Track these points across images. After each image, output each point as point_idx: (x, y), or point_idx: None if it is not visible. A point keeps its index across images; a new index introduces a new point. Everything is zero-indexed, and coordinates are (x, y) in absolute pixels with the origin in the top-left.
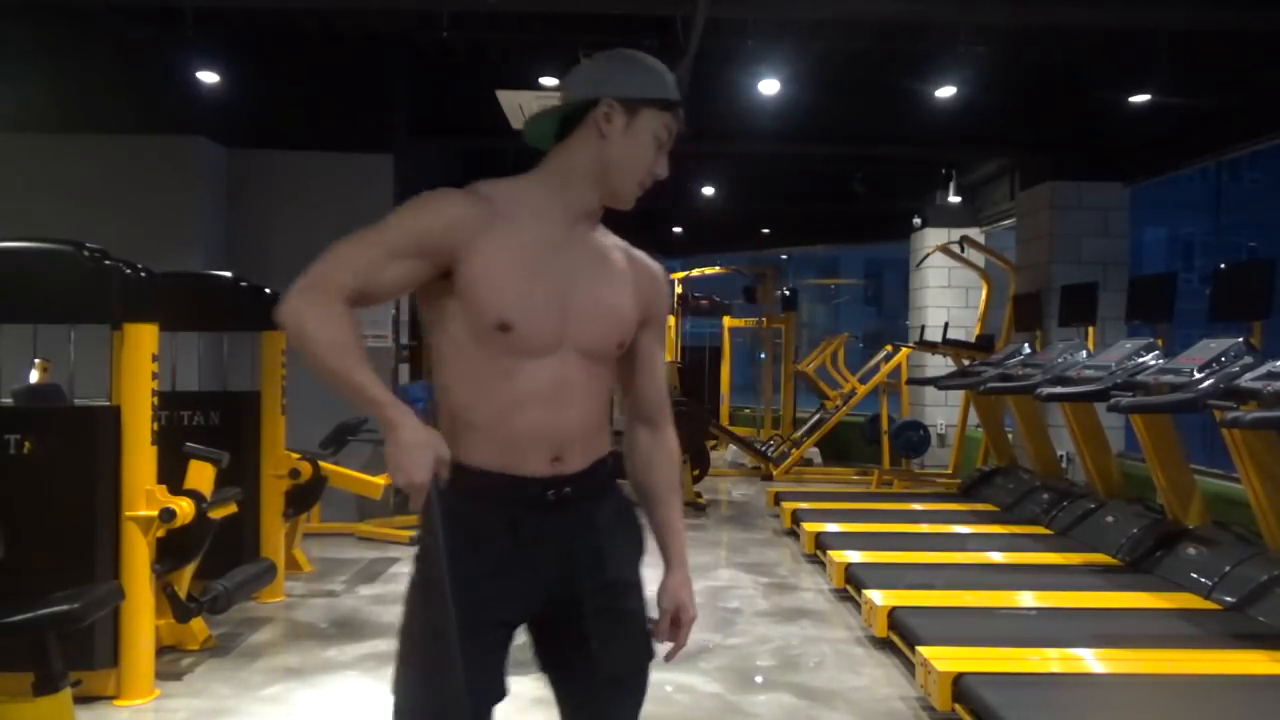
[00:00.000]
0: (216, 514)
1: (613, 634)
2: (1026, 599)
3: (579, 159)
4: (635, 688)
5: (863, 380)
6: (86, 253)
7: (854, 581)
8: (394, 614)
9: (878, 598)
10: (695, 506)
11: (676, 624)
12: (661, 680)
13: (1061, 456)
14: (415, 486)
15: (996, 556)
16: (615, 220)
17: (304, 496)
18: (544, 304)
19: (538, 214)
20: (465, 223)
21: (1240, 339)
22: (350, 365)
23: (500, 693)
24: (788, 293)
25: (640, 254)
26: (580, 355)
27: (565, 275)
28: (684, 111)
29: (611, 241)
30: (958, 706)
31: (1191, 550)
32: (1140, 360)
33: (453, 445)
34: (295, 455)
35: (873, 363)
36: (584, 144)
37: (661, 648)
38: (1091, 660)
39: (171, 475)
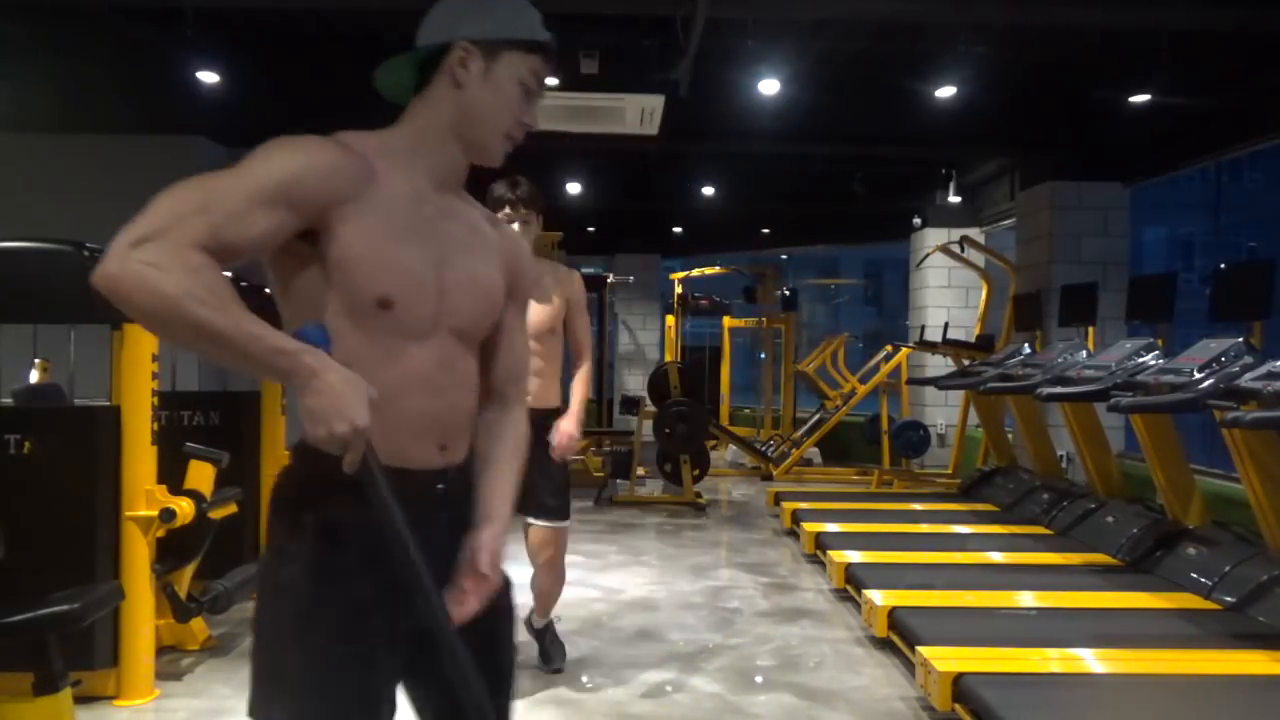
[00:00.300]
0: (216, 514)
1: (483, 638)
2: (1026, 599)
3: (437, 112)
4: (505, 690)
5: (863, 380)
6: (86, 253)
7: (854, 581)
8: None
9: (878, 598)
10: (695, 506)
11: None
12: (661, 680)
13: (1061, 456)
14: (358, 432)
15: (996, 556)
16: (616, 221)
17: None
18: (423, 277)
19: (408, 176)
20: (341, 175)
21: (1240, 339)
22: (236, 316)
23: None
24: (788, 293)
25: (504, 225)
26: (456, 337)
27: (439, 245)
28: (556, 51)
29: (478, 209)
30: (958, 706)
31: (1191, 550)
32: (1140, 360)
33: None
34: None
35: (873, 363)
36: (441, 94)
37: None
38: (1091, 660)
39: (171, 475)
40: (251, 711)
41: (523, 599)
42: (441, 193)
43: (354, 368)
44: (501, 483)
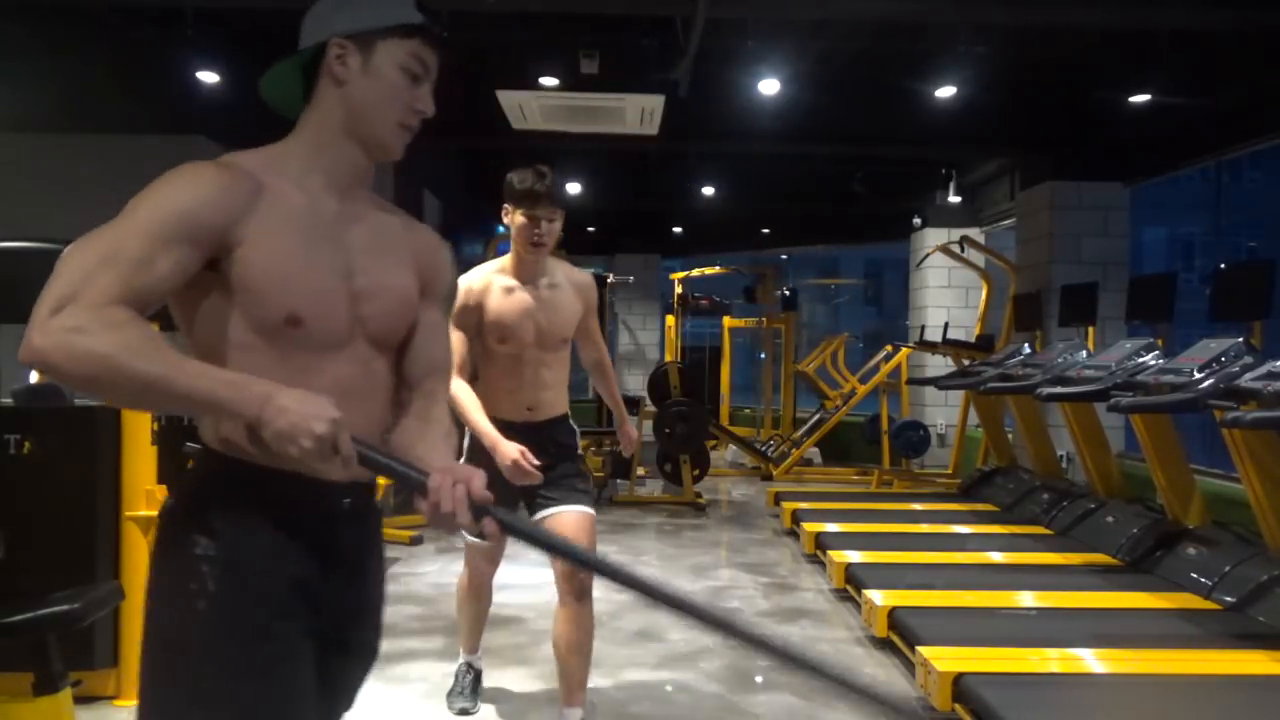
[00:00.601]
0: None
1: (370, 638)
2: (1026, 599)
3: (325, 115)
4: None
5: (863, 380)
6: None
7: (854, 581)
8: (394, 614)
9: (878, 598)
10: (695, 506)
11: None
12: (661, 680)
13: (1061, 456)
14: (336, 423)
15: (996, 556)
16: (616, 221)
17: None
18: (330, 291)
19: (303, 186)
20: (229, 198)
21: (1240, 339)
22: (174, 361)
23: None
24: (788, 293)
25: (420, 225)
26: (371, 344)
27: (345, 254)
28: (437, 29)
29: (388, 212)
30: (958, 706)
31: (1191, 550)
32: (1140, 360)
33: (250, 450)
34: None
35: (873, 363)
36: (326, 96)
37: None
38: (1091, 660)
39: (171, 475)
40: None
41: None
42: (344, 198)
43: None
44: (441, 453)
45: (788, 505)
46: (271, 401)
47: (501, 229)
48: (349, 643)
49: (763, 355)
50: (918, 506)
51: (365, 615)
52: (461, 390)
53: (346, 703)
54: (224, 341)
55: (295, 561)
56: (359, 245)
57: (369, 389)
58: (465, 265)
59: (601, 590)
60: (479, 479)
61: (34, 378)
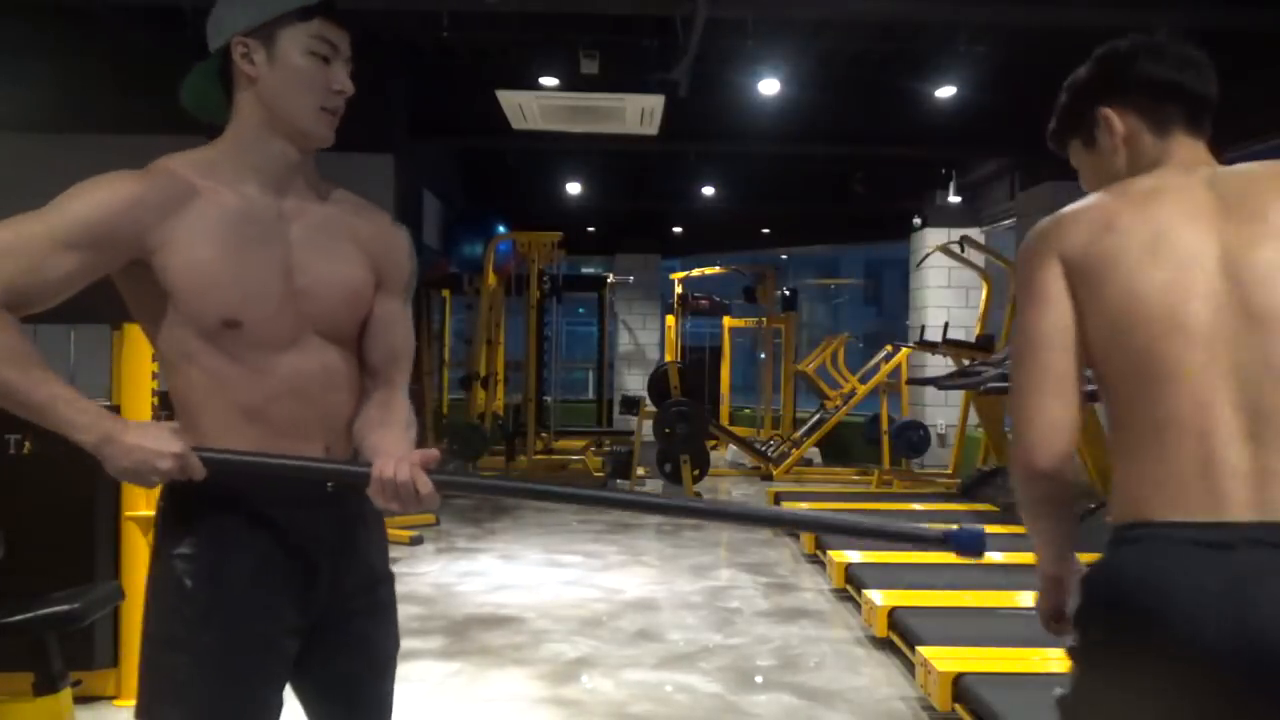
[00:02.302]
0: None
1: (370, 628)
2: (1026, 599)
3: (246, 114)
4: (388, 677)
5: (863, 380)
6: None
7: (854, 581)
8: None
9: (878, 598)
10: None
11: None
12: (661, 680)
13: None
14: (178, 456)
15: (996, 556)
16: (616, 221)
17: None
18: (268, 290)
19: (235, 186)
20: (143, 205)
21: None
22: (23, 378)
23: (280, 708)
24: (788, 293)
25: (375, 211)
26: (323, 338)
27: (285, 252)
28: (332, 6)
29: (336, 201)
30: (958, 706)
31: None
32: None
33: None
34: None
35: (873, 363)
36: (243, 96)
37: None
38: None
39: None
40: (139, 714)
41: (510, 595)
42: (282, 194)
43: (216, 387)
44: (396, 439)
45: (788, 505)
46: (114, 441)
47: (502, 228)
48: (343, 624)
49: (763, 355)
50: (918, 506)
51: (357, 593)
52: None
53: (374, 674)
54: (176, 347)
55: (273, 559)
56: (300, 241)
57: (327, 382)
58: (467, 266)
59: (602, 590)
60: (428, 454)
61: None
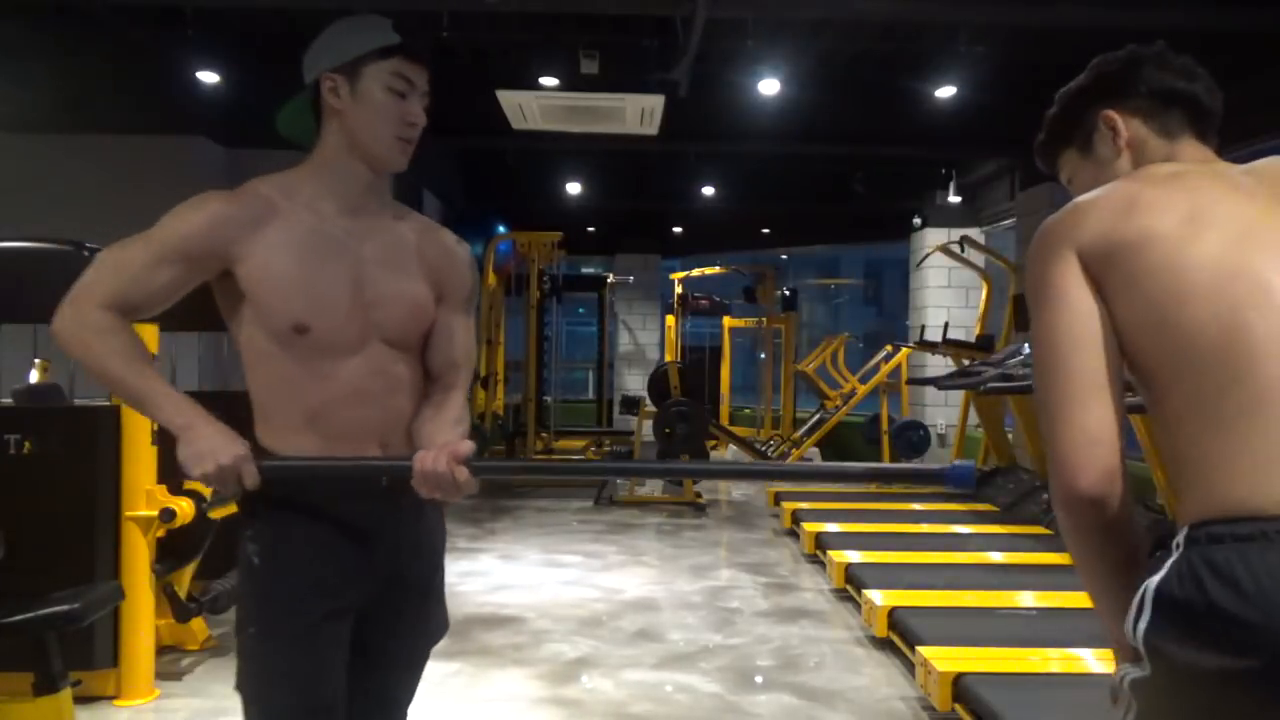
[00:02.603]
0: (216, 514)
1: (423, 616)
2: (1026, 599)
3: (331, 142)
4: (421, 664)
5: (863, 380)
6: (86, 253)
7: (854, 581)
8: None
9: (878, 598)
10: (695, 506)
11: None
12: (661, 680)
13: None
14: (224, 468)
15: (996, 556)
16: (616, 221)
17: None
18: (338, 300)
19: (313, 207)
20: (230, 222)
21: None
22: (127, 372)
23: (343, 682)
24: (788, 293)
25: (440, 231)
26: (387, 345)
27: (356, 267)
28: (414, 44)
29: (405, 221)
30: (958, 706)
31: None
32: None
33: (281, 445)
34: None
35: (873, 363)
36: (328, 126)
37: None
38: (1091, 660)
39: (171, 475)
40: (237, 685)
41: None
42: (356, 215)
43: (286, 387)
44: (441, 431)
45: (788, 505)
46: (191, 429)
47: (502, 228)
48: (400, 593)
49: (763, 355)
50: (918, 506)
51: (410, 576)
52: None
53: (410, 658)
54: (253, 349)
55: (333, 544)
56: (371, 258)
57: (388, 387)
58: None
59: (601, 590)
60: (464, 445)
61: (34, 378)
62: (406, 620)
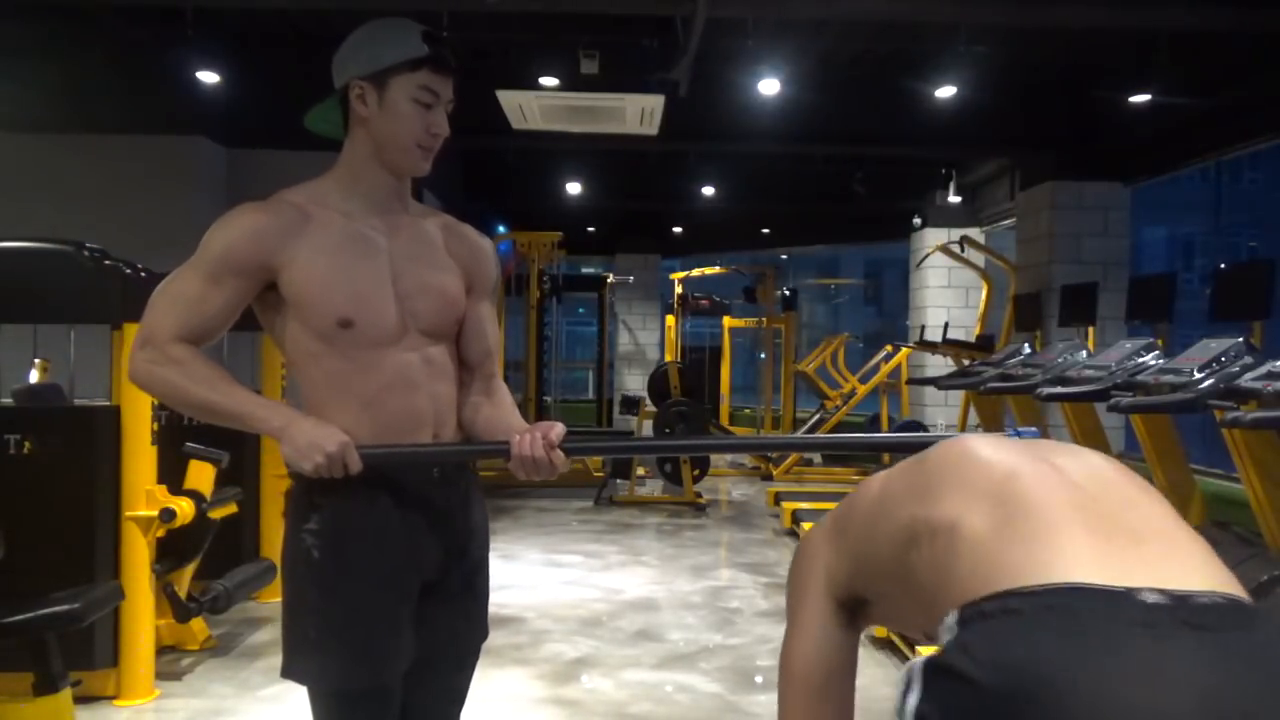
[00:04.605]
0: (216, 514)
1: (470, 606)
2: None
3: (357, 148)
4: (471, 663)
5: (863, 380)
6: (86, 253)
7: None
8: None
9: None
10: (695, 506)
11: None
12: (661, 680)
13: None
14: (331, 456)
15: None
16: (616, 221)
17: None
18: (376, 293)
19: (345, 210)
20: (270, 232)
21: (1240, 339)
22: (216, 396)
23: (410, 656)
24: (788, 293)
25: (462, 227)
26: (425, 335)
27: (389, 262)
28: (441, 56)
29: (430, 218)
30: None
31: None
32: (1140, 360)
33: None
34: None
35: (873, 363)
36: (355, 132)
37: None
38: None
39: (171, 475)
40: (283, 673)
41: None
42: (384, 214)
43: (337, 381)
44: (513, 416)
45: (788, 505)
46: (295, 425)
47: (502, 228)
48: (449, 585)
49: (763, 355)
50: None
51: (461, 560)
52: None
53: (465, 657)
54: (300, 349)
55: (393, 534)
56: (402, 253)
57: (431, 374)
58: None
59: (602, 590)
60: (556, 429)
61: (34, 378)
62: (464, 609)
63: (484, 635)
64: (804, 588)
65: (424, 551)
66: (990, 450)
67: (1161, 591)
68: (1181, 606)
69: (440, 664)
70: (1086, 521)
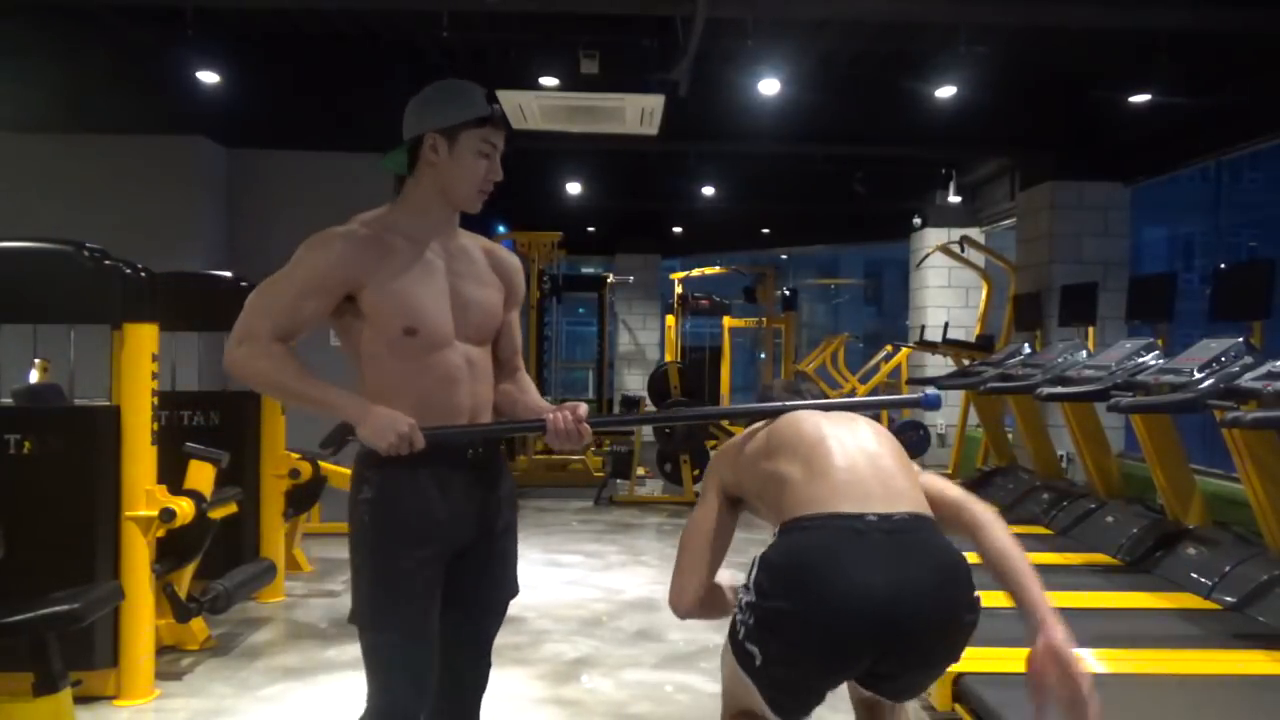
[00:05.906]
0: (216, 514)
1: (504, 569)
2: None
3: (424, 187)
4: (501, 611)
5: (863, 380)
6: (86, 253)
7: None
8: None
9: None
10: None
11: None
12: (661, 680)
13: (1061, 456)
14: (402, 436)
15: None
16: (616, 221)
17: (304, 496)
18: (437, 308)
19: (413, 239)
20: (354, 260)
21: (1240, 339)
22: (304, 386)
23: (437, 619)
24: (788, 293)
25: (497, 247)
26: (471, 342)
27: (447, 283)
28: (501, 116)
29: (474, 241)
30: (958, 706)
31: (1191, 550)
32: (1140, 360)
33: None
34: (295, 455)
35: (873, 363)
36: (424, 174)
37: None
38: (1091, 660)
39: (171, 475)
40: (349, 619)
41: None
42: (444, 241)
43: (398, 379)
44: (536, 398)
45: None
46: (371, 411)
47: (502, 228)
48: (480, 548)
49: (763, 355)
50: None
51: (492, 535)
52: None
53: (493, 606)
54: (369, 351)
55: (429, 503)
56: (458, 272)
57: (474, 374)
58: None
59: (602, 590)
60: (581, 408)
61: (34, 378)
62: (494, 566)
63: (514, 591)
64: (708, 484)
65: (459, 519)
66: (810, 426)
67: (877, 515)
68: (885, 521)
69: (474, 610)
70: (850, 472)
